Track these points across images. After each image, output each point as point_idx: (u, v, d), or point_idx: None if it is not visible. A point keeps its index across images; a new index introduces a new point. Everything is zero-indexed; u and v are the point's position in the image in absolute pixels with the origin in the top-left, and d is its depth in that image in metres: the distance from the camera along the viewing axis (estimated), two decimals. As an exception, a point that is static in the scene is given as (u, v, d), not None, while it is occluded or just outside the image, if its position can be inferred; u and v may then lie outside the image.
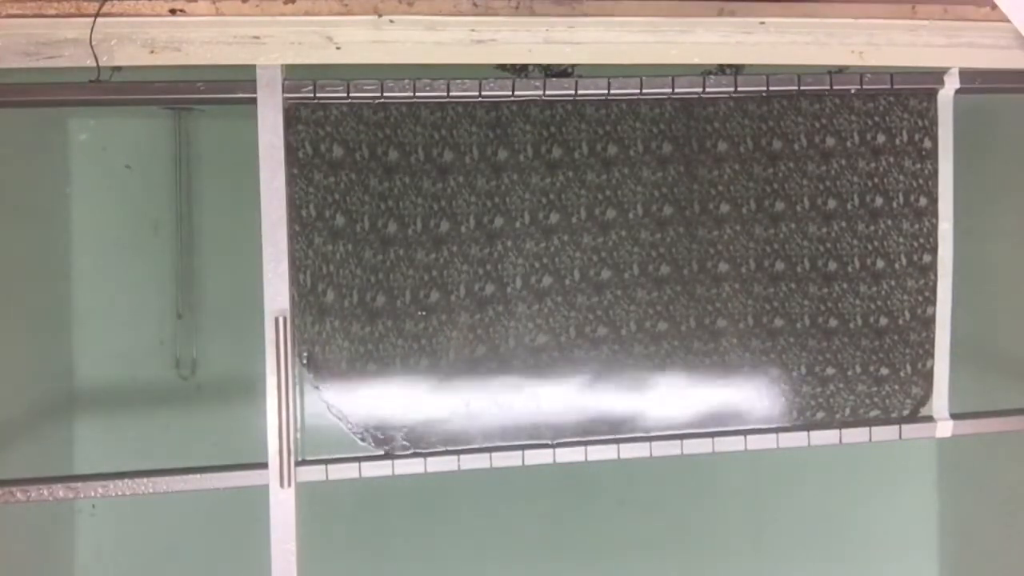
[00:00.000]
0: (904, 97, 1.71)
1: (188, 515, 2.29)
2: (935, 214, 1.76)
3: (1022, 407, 1.84)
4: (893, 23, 1.64)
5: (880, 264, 1.74)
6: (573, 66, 1.64)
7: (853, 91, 1.70)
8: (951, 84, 1.71)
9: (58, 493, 1.52)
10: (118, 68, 1.52)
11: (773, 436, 1.71)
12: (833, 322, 1.73)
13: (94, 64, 1.50)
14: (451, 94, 1.58)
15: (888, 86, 1.70)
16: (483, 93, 1.59)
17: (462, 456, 1.61)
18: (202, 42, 1.53)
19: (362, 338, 1.59)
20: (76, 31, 1.49)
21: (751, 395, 1.72)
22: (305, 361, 1.58)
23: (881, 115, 1.72)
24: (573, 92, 1.62)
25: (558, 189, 1.63)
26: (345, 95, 1.56)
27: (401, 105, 1.59)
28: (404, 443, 1.61)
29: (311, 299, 1.57)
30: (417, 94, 1.58)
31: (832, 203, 1.71)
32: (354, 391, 1.60)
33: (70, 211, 2.36)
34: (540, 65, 1.63)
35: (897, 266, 1.75)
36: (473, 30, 1.58)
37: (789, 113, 1.69)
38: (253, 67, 1.53)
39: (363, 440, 1.60)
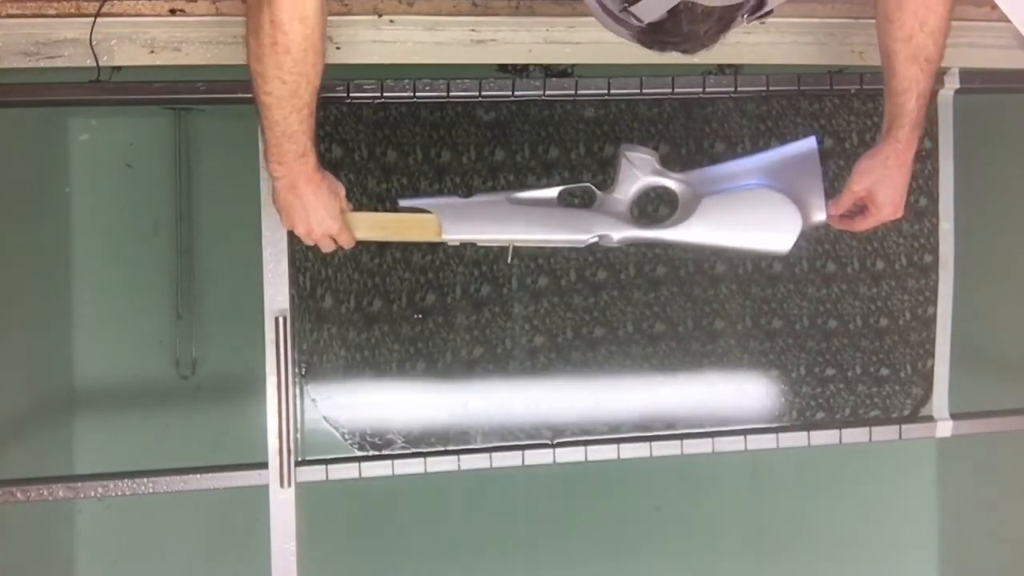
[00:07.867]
0: (904, 97, 1.70)
1: (188, 515, 2.29)
2: (935, 214, 1.75)
3: (1022, 407, 1.84)
4: (893, 23, 1.64)
5: (880, 265, 1.74)
6: (573, 66, 1.64)
7: (853, 91, 1.69)
8: (951, 84, 1.70)
9: (58, 493, 1.52)
10: (118, 68, 1.52)
11: (773, 436, 1.71)
12: (833, 323, 1.73)
13: (94, 64, 1.50)
14: (451, 94, 1.58)
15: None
16: (483, 93, 1.59)
17: (462, 456, 1.61)
18: (202, 42, 1.53)
19: (359, 345, 1.59)
20: (76, 31, 1.49)
21: (750, 396, 1.72)
22: (304, 372, 1.57)
23: (881, 115, 1.71)
24: (573, 92, 1.61)
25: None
26: (345, 95, 1.56)
27: (401, 105, 1.58)
28: (404, 445, 1.61)
29: (310, 303, 1.57)
30: (417, 94, 1.57)
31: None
32: (352, 402, 1.60)
33: (70, 211, 2.35)
34: (540, 65, 1.63)
35: (897, 266, 1.75)
36: (473, 30, 1.57)
37: (788, 113, 1.69)
38: (253, 67, 1.53)
39: (362, 450, 1.60)
